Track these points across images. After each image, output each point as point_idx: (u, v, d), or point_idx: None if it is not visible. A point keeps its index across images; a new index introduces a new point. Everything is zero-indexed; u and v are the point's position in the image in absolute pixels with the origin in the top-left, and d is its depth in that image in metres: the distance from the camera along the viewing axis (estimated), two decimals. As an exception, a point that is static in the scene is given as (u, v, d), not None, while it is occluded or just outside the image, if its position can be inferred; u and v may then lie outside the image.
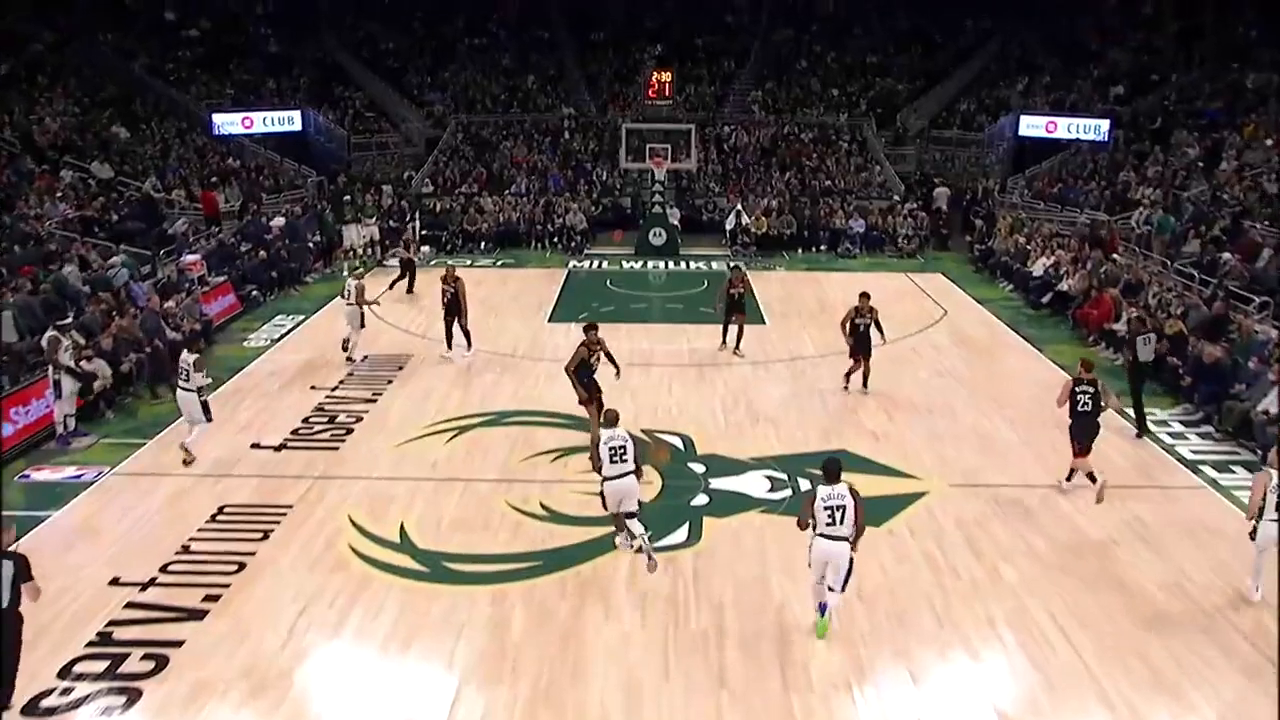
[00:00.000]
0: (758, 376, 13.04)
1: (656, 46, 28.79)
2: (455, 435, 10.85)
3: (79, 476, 9.74)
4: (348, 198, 21.10)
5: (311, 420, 11.25)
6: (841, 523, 6.89)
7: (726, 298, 13.73)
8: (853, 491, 6.98)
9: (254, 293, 16.92)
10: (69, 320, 11.84)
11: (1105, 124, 24.18)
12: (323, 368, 13.23)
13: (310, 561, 8.13)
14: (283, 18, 31.23)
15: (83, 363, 11.10)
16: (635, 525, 8.00)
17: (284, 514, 8.94)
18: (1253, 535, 7.53)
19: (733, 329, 13.89)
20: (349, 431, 10.91)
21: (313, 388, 12.38)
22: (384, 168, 27.47)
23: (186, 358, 10.09)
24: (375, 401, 11.94)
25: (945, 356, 13.96)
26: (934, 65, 31.45)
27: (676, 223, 22.65)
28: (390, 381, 12.70)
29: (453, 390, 12.38)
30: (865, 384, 12.16)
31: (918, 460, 10.20)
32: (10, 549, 6.17)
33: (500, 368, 13.21)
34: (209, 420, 10.14)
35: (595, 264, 20.77)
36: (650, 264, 20.75)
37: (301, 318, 16.07)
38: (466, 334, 13.60)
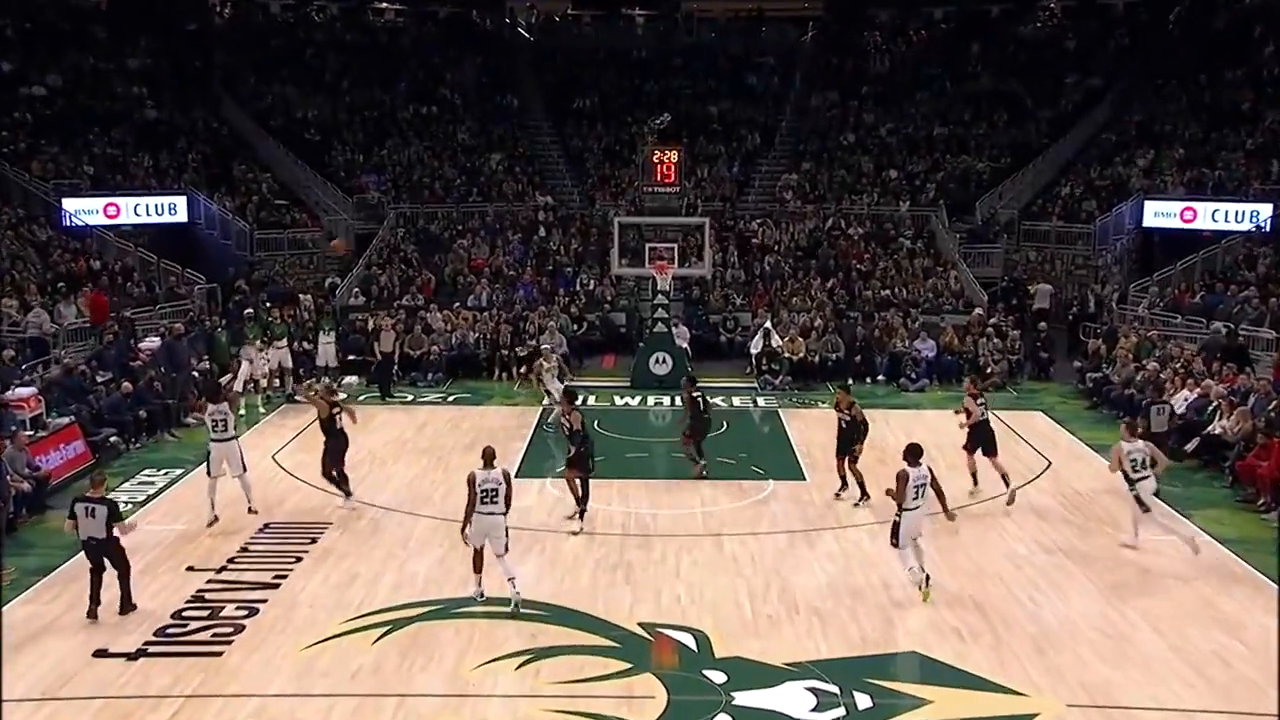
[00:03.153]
0: (796, 551, 13.20)
1: (659, 117, 30.49)
2: (388, 632, 10.91)
3: None
4: (250, 311, 21.69)
5: (186, 615, 11.33)
6: (924, 497, 11.56)
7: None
8: (930, 469, 11.71)
9: (113, 439, 17.20)
10: None
11: (1265, 209, 25.24)
12: (205, 540, 13.39)
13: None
14: (164, 74, 32.83)
15: None
16: (507, 565, 11.38)
17: (140, 749, 8.94)
18: (1138, 499, 12.81)
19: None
20: (239, 630, 10.98)
21: (190, 569, 12.50)
22: (300, 272, 28.41)
23: (218, 410, 13.99)
24: (278, 587, 12.03)
25: (1052, 525, 14.17)
26: (1025, 137, 33.15)
27: (685, 345, 23.29)
28: (299, 559, 12.84)
29: (385, 569, 12.51)
30: (861, 495, 14.65)
31: (1020, 670, 10.25)
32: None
33: (448, 539, 13.36)
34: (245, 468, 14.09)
35: (579, 400, 21.15)
36: (651, 400, 21.28)
37: (179, 472, 16.31)
38: (337, 477, 14.61)
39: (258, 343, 20.81)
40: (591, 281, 26.95)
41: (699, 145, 32.86)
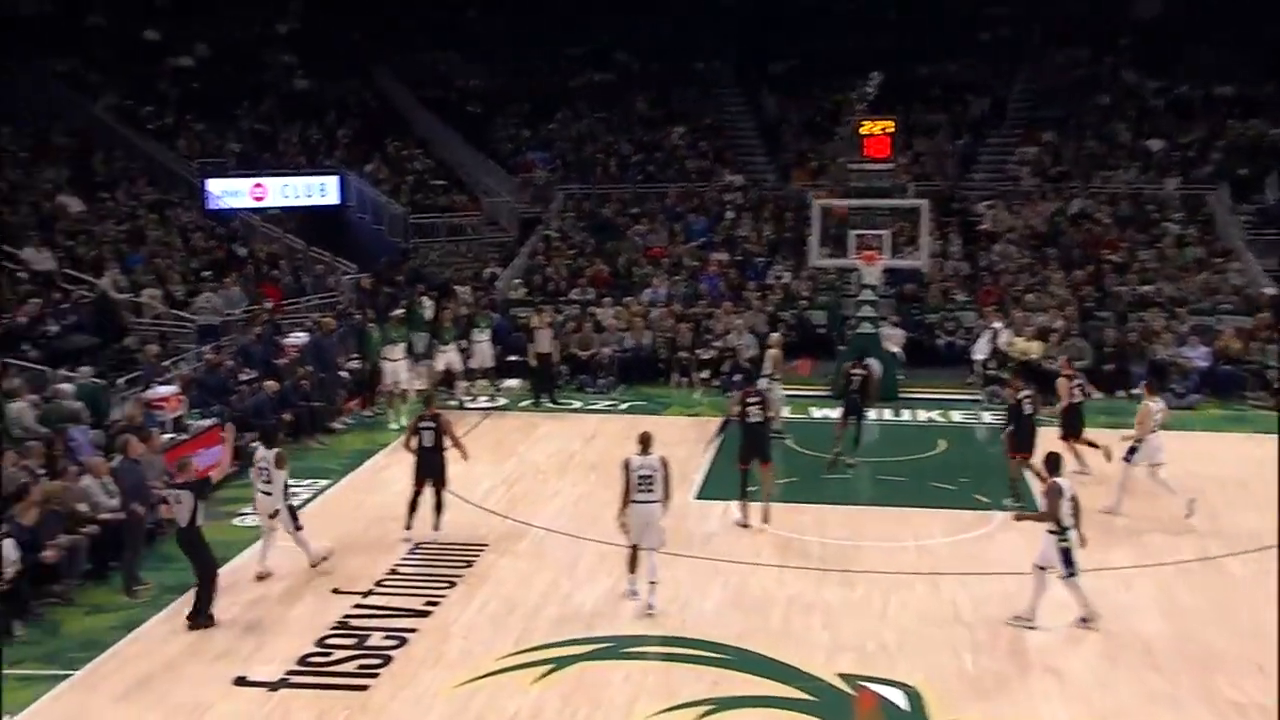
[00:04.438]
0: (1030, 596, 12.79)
1: (869, 81, 30.06)
2: (550, 672, 11.08)
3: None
4: (399, 312, 21.83)
5: (329, 643, 11.75)
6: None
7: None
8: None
9: (254, 444, 17.97)
10: None
11: None
12: (352, 559, 13.91)
13: None
14: (315, 41, 34.27)
15: None
16: (654, 562, 12.21)
17: (280, 786, 9.36)
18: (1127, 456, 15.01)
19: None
20: (386, 662, 11.32)
21: (335, 592, 13.00)
22: (457, 261, 29.22)
23: (265, 454, 13.39)
24: (429, 615, 12.38)
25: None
26: (1335, 94, 31.08)
27: (896, 349, 23.02)
28: (452, 584, 13.20)
29: (547, 601, 12.73)
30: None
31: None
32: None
33: (618, 568, 13.45)
34: (299, 527, 13.39)
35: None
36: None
37: (325, 483, 17.05)
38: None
39: (414, 346, 21.23)
40: (786, 274, 26.82)
41: (915, 114, 32.25)
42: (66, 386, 16.52)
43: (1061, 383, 16.87)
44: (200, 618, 11.98)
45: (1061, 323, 23.25)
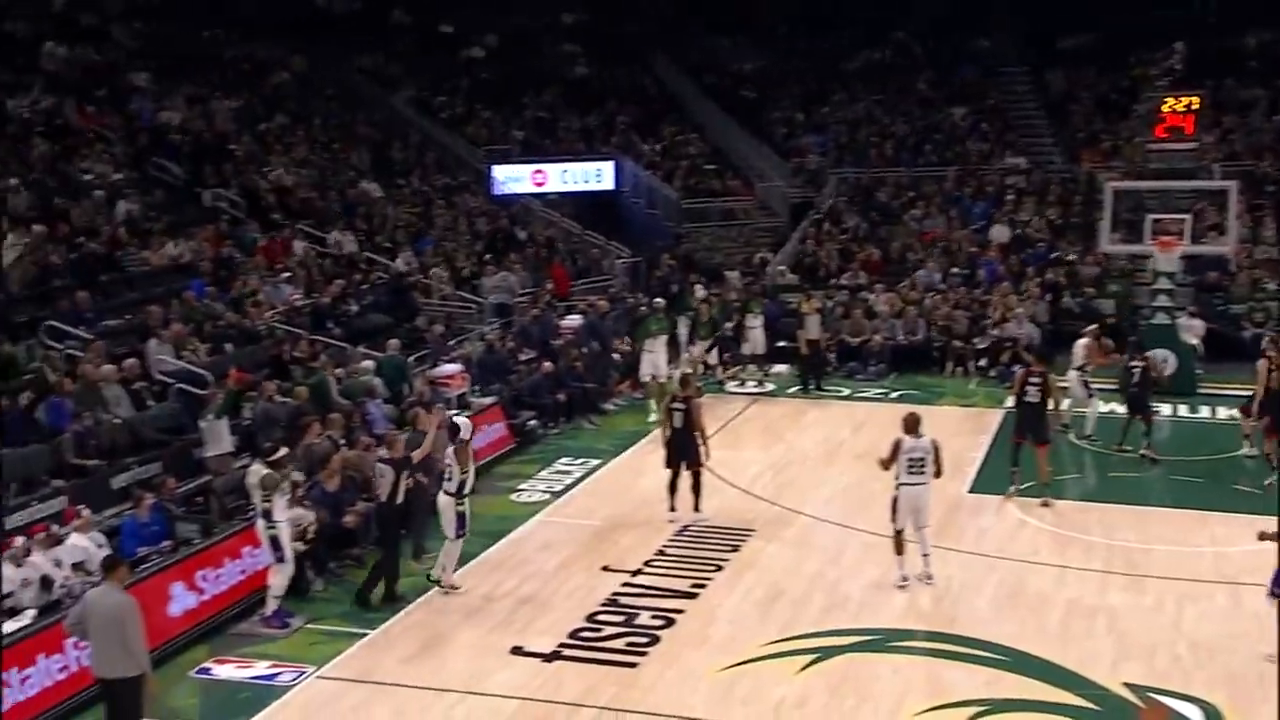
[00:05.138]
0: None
1: (1172, 51, 28.33)
2: (815, 661, 11.05)
3: (271, 678, 10.90)
4: (659, 302, 21.67)
5: (600, 618, 12.07)
6: None
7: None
8: None
9: (531, 422, 18.74)
10: (282, 451, 12.45)
11: None
12: (622, 539, 14.24)
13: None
14: (597, 30, 35.18)
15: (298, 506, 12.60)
16: (926, 538, 12.59)
17: (549, 757, 9.72)
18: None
19: None
20: (653, 641, 11.53)
21: (605, 569, 13.32)
22: (727, 246, 29.41)
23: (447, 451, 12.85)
24: (696, 597, 12.54)
25: None
26: None
27: (1195, 341, 21.87)
28: (719, 568, 13.32)
29: (813, 588, 12.72)
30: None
31: None
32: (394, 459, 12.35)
33: (885, 558, 13.29)
34: (459, 535, 12.62)
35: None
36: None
37: (596, 463, 17.49)
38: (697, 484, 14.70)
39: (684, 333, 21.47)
40: (1072, 258, 25.74)
41: (1226, 89, 30.23)
42: (366, 363, 17.62)
43: (1260, 365, 16.02)
44: (364, 594, 12.40)
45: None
